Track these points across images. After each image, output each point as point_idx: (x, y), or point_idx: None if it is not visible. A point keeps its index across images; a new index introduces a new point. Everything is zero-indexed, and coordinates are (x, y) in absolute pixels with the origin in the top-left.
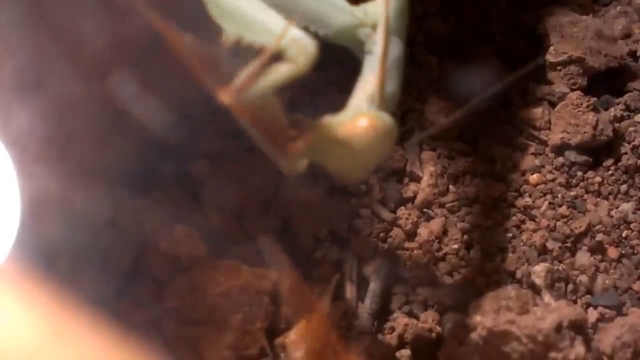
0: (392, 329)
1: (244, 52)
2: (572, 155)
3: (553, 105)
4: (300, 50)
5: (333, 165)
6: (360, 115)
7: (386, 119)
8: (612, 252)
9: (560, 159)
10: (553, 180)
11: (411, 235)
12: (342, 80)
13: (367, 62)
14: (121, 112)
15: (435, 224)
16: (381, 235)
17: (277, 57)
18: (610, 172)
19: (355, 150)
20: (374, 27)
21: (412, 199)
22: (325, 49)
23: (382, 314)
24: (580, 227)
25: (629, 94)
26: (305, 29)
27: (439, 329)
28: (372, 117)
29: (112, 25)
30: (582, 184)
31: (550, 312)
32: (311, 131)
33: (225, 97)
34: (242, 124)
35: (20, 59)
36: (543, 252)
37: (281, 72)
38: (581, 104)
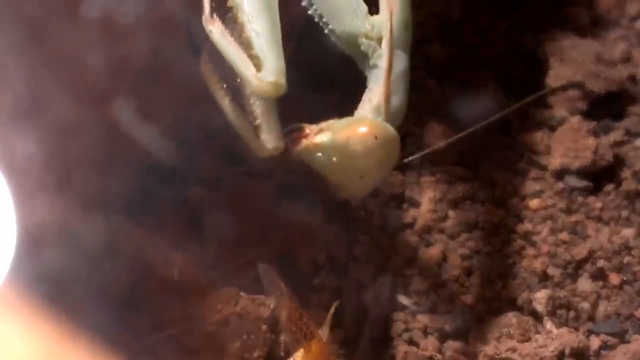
0: (392, 357)
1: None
2: (572, 180)
3: (553, 129)
4: (272, 83)
5: (332, 175)
6: (362, 122)
7: (388, 129)
8: (614, 279)
9: (561, 184)
10: (553, 205)
11: (411, 261)
12: (341, 105)
13: (373, 75)
14: (119, 137)
15: (435, 250)
16: (380, 261)
17: None
18: (610, 197)
19: (352, 156)
20: (379, 41)
21: (411, 225)
22: (324, 72)
23: (382, 341)
24: (581, 253)
25: (629, 118)
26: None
27: (439, 356)
28: (372, 124)
29: (111, 50)
30: (582, 209)
31: (552, 339)
32: (313, 134)
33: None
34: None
35: (19, 84)
36: (544, 278)
37: (248, 78)
38: (581, 129)
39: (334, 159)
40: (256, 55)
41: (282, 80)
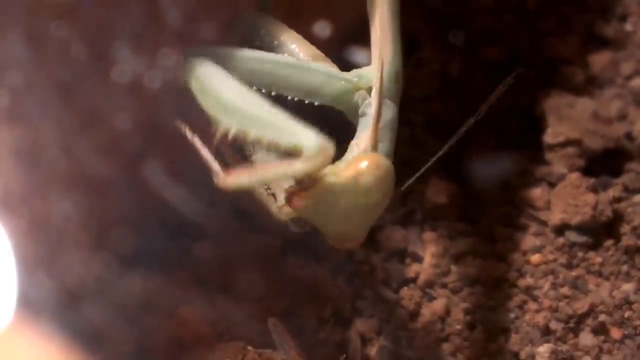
0: None
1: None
2: (572, 236)
3: (552, 185)
4: (321, 150)
5: (333, 221)
6: (358, 158)
7: (385, 159)
8: (615, 333)
9: (561, 239)
10: (554, 260)
11: (414, 315)
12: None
13: (361, 123)
14: (150, 195)
15: (438, 305)
16: (384, 315)
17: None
18: (610, 252)
19: (359, 192)
20: (368, 90)
21: (414, 280)
22: (315, 120)
23: None
24: (582, 307)
25: (627, 174)
26: (301, 101)
27: None
28: (371, 156)
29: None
30: (583, 264)
31: None
32: (310, 183)
33: (224, 181)
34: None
35: (53, 147)
36: (546, 332)
37: (296, 168)
38: (580, 185)
39: (336, 206)
40: (290, 145)
41: (325, 143)
